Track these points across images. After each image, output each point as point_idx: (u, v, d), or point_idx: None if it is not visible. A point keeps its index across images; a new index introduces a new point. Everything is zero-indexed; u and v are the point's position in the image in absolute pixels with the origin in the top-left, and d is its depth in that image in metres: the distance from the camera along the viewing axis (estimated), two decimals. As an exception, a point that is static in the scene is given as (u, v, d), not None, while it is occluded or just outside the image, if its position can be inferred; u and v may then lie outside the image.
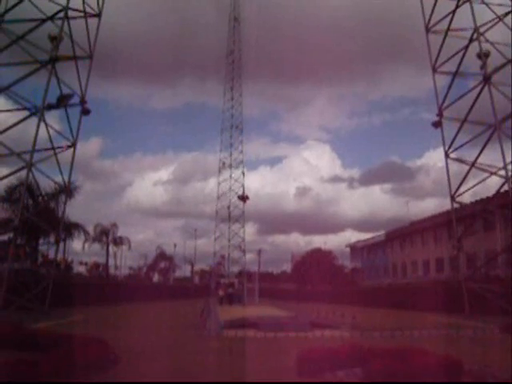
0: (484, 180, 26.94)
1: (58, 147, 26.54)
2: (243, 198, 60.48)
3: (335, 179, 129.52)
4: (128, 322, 25.67)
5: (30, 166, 23.87)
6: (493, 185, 28.03)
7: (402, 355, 8.42)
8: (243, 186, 60.40)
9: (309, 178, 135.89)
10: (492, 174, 25.75)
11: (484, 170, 26.43)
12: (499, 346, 14.37)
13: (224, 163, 61.89)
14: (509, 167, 24.51)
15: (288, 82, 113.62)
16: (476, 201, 34.57)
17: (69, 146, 26.93)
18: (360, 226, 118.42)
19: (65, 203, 30.33)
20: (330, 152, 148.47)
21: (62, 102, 26.21)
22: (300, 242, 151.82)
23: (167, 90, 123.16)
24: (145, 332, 19.05)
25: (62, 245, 39.36)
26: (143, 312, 34.48)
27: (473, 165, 26.49)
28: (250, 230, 68.14)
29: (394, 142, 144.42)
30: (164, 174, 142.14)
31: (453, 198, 27.93)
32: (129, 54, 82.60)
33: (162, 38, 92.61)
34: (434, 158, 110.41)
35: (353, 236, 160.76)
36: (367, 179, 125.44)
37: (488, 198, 29.70)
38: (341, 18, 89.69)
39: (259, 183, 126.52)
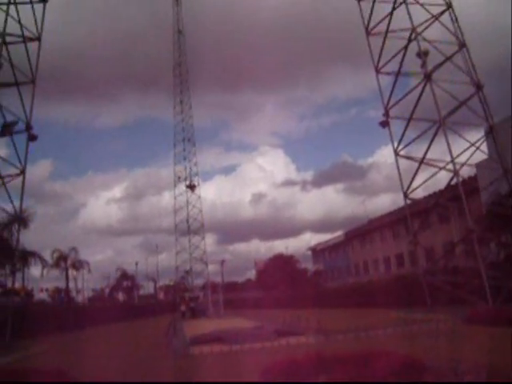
0: (434, 175, 27.61)
1: (7, 175, 25.87)
2: (191, 186, 60.13)
3: (288, 183, 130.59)
4: (92, 347, 24.98)
5: (-23, 196, 23.15)
6: (442, 178, 28.80)
7: (364, 359, 8.49)
8: (191, 176, 60.44)
9: (263, 184, 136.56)
10: (441, 168, 26.40)
11: (433, 166, 27.09)
12: (463, 338, 14.62)
13: (179, 177, 61.49)
14: (456, 161, 25.27)
15: (235, 90, 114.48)
16: (429, 195, 35.37)
17: (18, 174, 26.23)
18: (318, 227, 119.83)
19: (18, 232, 29.53)
20: (284, 156, 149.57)
21: (7, 130, 25.61)
22: (261, 248, 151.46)
23: (115, 107, 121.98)
24: (109, 356, 18.56)
25: (20, 273, 38.32)
26: (108, 335, 33.68)
27: (422, 161, 27.11)
28: (209, 241, 68.15)
29: (345, 142, 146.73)
30: (117, 191, 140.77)
31: (405, 195, 28.45)
32: (73, 73, 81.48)
33: (104, 55, 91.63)
34: (385, 155, 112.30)
35: (312, 238, 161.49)
36: (320, 181, 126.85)
37: (440, 191, 30.38)
38: (281, 22, 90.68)
39: (215, 193, 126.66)
